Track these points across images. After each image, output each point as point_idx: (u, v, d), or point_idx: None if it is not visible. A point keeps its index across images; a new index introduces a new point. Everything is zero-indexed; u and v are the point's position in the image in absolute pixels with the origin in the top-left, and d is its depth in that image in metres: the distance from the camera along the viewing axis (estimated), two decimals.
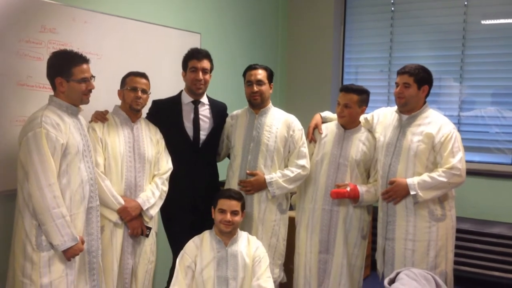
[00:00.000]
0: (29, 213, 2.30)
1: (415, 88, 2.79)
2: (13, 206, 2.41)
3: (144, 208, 2.75)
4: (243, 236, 2.79)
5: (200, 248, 2.70)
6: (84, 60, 2.43)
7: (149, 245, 2.85)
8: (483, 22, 4.44)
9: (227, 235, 2.72)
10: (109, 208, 2.66)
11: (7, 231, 2.44)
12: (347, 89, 2.99)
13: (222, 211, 2.69)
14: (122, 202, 2.68)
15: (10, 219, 2.43)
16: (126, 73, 2.82)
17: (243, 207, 2.77)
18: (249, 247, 2.75)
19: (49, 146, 2.27)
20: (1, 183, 2.56)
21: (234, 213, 2.70)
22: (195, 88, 3.01)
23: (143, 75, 2.81)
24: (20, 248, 2.31)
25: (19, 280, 2.30)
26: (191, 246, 2.73)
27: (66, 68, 2.38)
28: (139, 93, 2.76)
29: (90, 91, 2.46)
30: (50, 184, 2.26)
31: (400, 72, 2.84)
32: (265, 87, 3.02)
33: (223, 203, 2.71)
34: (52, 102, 2.41)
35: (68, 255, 2.34)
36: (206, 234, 2.77)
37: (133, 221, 2.73)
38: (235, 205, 2.71)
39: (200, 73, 2.97)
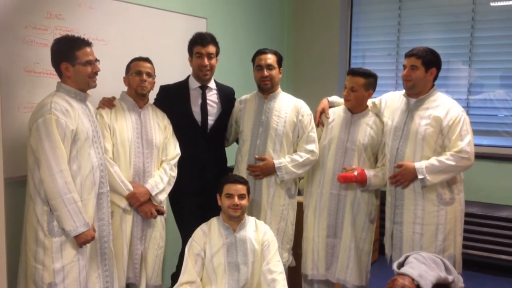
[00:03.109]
0: (40, 199, 2.31)
1: (423, 70, 2.77)
2: (22, 192, 2.43)
3: (153, 193, 2.75)
4: (250, 221, 2.80)
5: (208, 235, 2.71)
6: (86, 43, 2.44)
7: (159, 230, 2.86)
8: (492, 4, 4.38)
9: (235, 221, 2.72)
10: (118, 194, 2.68)
11: (18, 218, 2.46)
12: (354, 72, 2.98)
13: (229, 196, 2.69)
14: (131, 188, 2.69)
15: (20, 205, 2.44)
16: (130, 60, 2.82)
17: (248, 191, 2.78)
18: (257, 232, 2.76)
19: (59, 132, 2.28)
20: (10, 169, 2.55)
21: (241, 196, 2.70)
22: (201, 75, 3.00)
23: (146, 59, 2.81)
24: (31, 234, 2.33)
25: (32, 266, 2.32)
26: (199, 233, 2.73)
27: (70, 52, 2.38)
28: (144, 77, 2.76)
29: (96, 73, 2.46)
30: (61, 170, 2.27)
31: (408, 55, 2.82)
32: (275, 72, 3.00)
33: (230, 188, 2.71)
34: (61, 89, 2.41)
35: (80, 241, 2.35)
36: (214, 221, 2.77)
37: (142, 206, 2.74)
38: (241, 189, 2.71)
39: (206, 59, 2.96)
